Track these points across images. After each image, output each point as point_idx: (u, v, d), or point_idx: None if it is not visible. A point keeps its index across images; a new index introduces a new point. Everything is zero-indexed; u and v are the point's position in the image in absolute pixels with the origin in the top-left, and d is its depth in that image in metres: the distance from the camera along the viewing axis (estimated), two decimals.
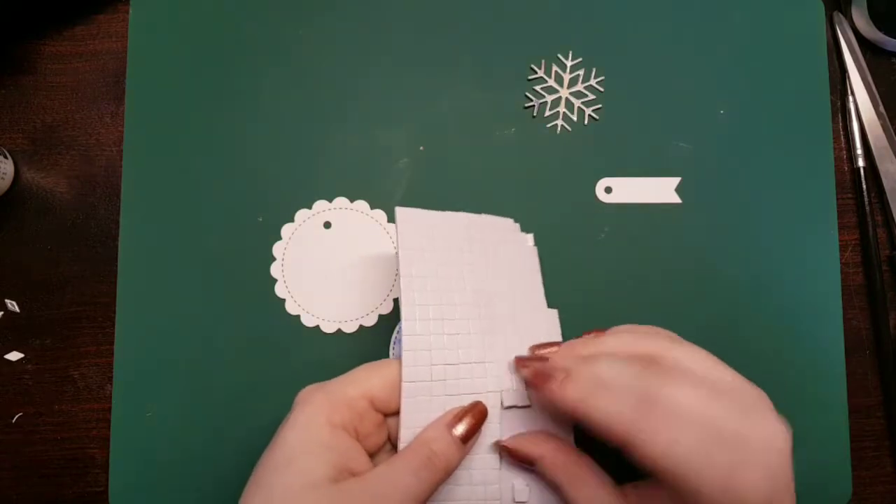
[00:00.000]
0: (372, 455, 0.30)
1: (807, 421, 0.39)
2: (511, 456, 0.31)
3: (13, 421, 0.39)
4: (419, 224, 0.33)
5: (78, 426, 0.39)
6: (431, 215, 0.33)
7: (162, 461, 0.38)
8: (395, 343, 0.39)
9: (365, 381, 0.29)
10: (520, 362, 0.31)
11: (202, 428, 0.38)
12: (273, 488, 0.26)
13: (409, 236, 0.32)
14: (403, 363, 0.30)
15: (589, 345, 0.30)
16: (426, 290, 0.31)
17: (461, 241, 0.33)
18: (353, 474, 0.28)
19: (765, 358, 0.39)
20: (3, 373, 0.39)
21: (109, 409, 0.38)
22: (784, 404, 0.38)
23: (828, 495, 0.38)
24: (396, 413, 0.30)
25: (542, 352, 0.31)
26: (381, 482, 0.27)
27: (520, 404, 0.31)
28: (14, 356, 0.39)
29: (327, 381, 0.29)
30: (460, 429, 0.29)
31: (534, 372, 0.30)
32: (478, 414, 0.30)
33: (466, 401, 0.31)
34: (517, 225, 0.37)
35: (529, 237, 0.37)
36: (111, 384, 0.39)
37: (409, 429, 0.30)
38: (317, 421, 0.27)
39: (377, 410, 0.30)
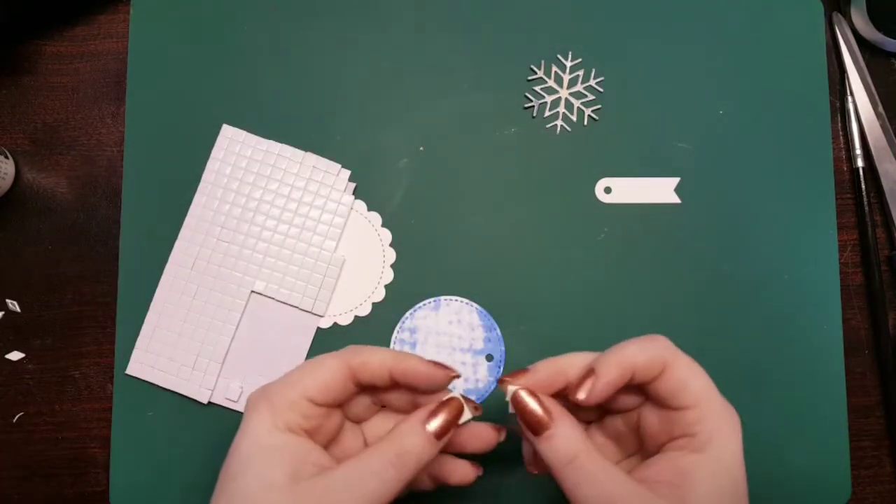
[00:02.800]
0: (336, 441, 0.31)
1: (806, 420, 0.39)
2: (524, 413, 0.28)
3: (14, 421, 0.39)
4: None
5: (79, 426, 0.39)
6: None
7: (162, 461, 0.38)
8: (395, 342, 0.39)
9: (300, 383, 0.29)
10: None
11: (202, 428, 0.38)
12: (233, 493, 0.27)
13: None
14: None
15: None
16: None
17: None
18: (324, 467, 0.28)
19: (764, 358, 0.39)
20: (4, 372, 0.39)
21: (110, 408, 0.38)
22: (783, 404, 0.39)
23: (827, 495, 0.39)
24: (333, 405, 0.30)
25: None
26: (341, 482, 0.27)
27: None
28: (15, 356, 0.39)
29: (271, 384, 0.30)
30: (434, 424, 0.29)
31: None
32: (453, 409, 0.29)
33: None
34: None
35: None
36: (112, 384, 0.39)
37: None
38: (263, 427, 0.28)
39: (317, 405, 0.29)
